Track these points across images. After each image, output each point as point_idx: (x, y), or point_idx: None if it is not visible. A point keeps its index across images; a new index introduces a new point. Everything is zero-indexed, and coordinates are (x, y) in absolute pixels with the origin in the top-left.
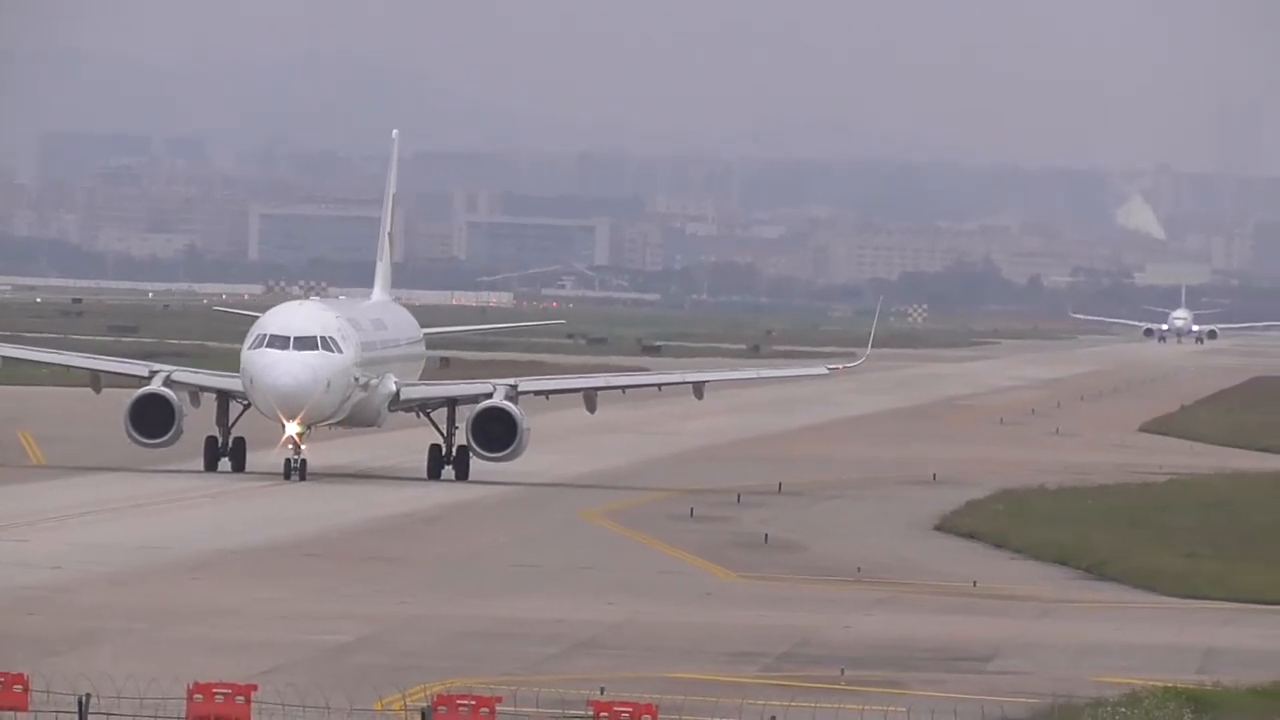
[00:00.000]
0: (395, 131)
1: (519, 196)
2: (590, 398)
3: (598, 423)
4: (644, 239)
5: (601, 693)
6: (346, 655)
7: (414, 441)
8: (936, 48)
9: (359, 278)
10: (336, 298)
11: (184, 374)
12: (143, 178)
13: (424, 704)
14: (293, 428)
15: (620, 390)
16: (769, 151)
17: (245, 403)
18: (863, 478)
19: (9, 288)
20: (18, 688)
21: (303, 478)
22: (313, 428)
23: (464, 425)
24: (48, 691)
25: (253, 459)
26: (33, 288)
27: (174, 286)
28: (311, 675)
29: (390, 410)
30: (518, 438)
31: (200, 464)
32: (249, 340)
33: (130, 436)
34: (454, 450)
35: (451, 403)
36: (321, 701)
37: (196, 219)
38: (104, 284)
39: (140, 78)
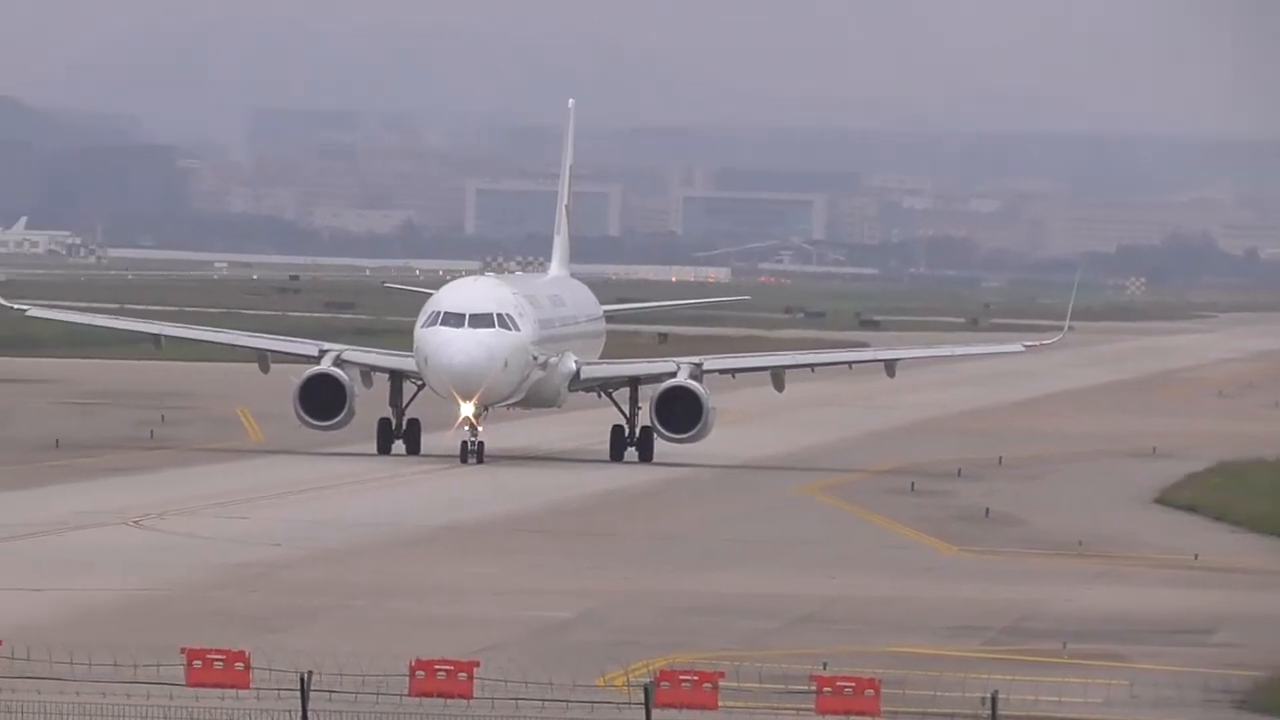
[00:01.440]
0: (571, 102)
1: (736, 171)
2: (778, 376)
3: (815, 397)
4: (861, 213)
5: (824, 667)
6: (567, 631)
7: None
8: (1146, 20)
9: (574, 253)
10: (513, 273)
11: (355, 353)
12: (358, 154)
13: (646, 680)
14: (468, 408)
15: (809, 369)
16: (985, 125)
17: (419, 383)
18: (1082, 451)
19: (225, 265)
20: (239, 665)
21: (480, 460)
22: (490, 408)
23: (647, 405)
24: (269, 669)
25: (427, 441)
26: (249, 265)
27: (390, 263)
28: (532, 652)
29: (570, 390)
30: (703, 418)
31: (373, 447)
32: (422, 318)
33: (299, 418)
34: (637, 431)
35: (634, 382)
36: (544, 678)
37: (412, 195)
38: (320, 260)
39: (354, 53)
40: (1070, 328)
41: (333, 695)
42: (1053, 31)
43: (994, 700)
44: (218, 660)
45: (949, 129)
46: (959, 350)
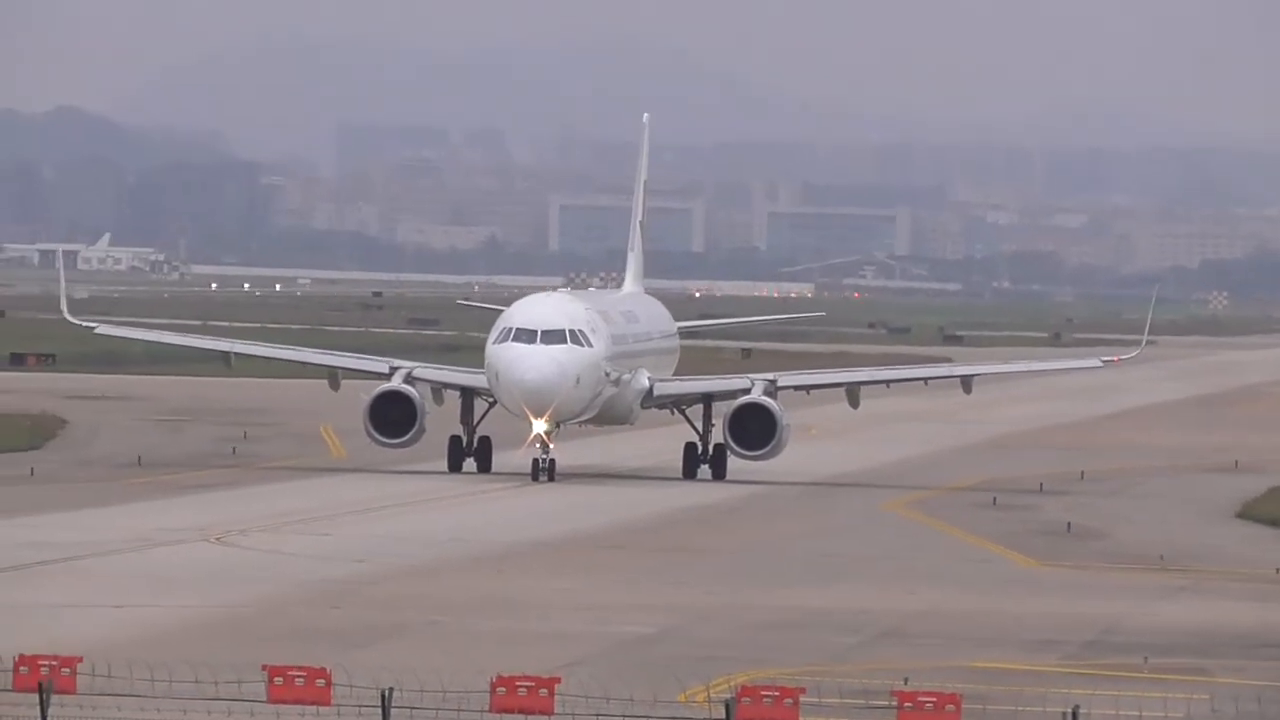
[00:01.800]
0: (646, 116)
1: (819, 186)
2: (853, 392)
3: (897, 413)
4: (944, 228)
5: (905, 682)
6: (649, 647)
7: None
8: (1236, 34)
9: (657, 269)
10: (587, 289)
11: (426, 370)
12: (442, 169)
13: (727, 695)
14: (540, 425)
15: (885, 385)
16: (1069, 140)
17: (490, 400)
18: (1165, 465)
19: (308, 281)
20: (320, 682)
21: (551, 478)
22: (561, 425)
23: (720, 422)
24: (350, 685)
25: (498, 459)
26: (332, 281)
27: (474, 279)
28: (614, 667)
29: (643, 407)
30: (777, 435)
31: (443, 464)
32: (494, 334)
33: (369, 436)
34: (710, 448)
35: (708, 399)
36: (625, 694)
37: (496, 211)
38: (404, 276)
39: (439, 70)
40: (1149, 342)
41: (414, 712)
42: (1138, 46)
43: (1075, 715)
44: (299, 677)
45: (1033, 144)
46: (1036, 366)
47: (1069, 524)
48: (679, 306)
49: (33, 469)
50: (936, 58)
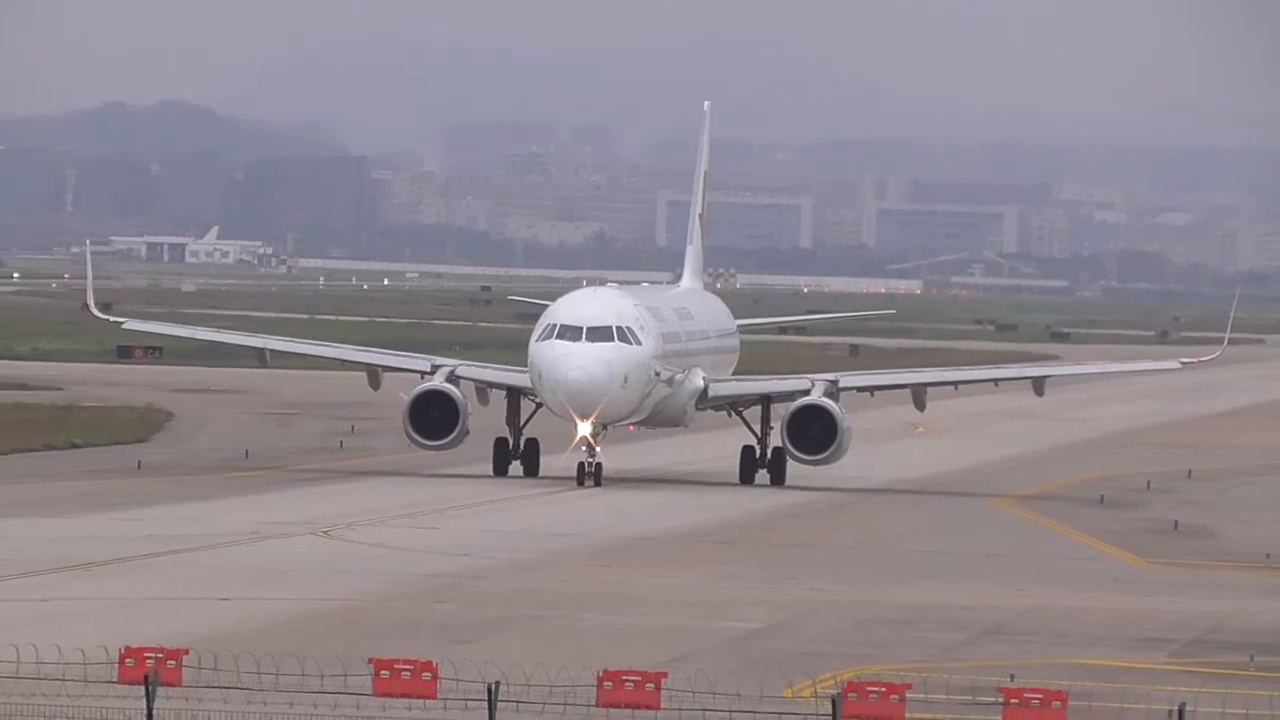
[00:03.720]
0: (707, 104)
1: (927, 184)
2: (918, 394)
3: (1004, 410)
4: (1051, 226)
5: (1011, 679)
6: (755, 642)
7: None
8: None
9: (767, 264)
10: (638, 285)
11: (470, 369)
12: (550, 165)
13: (834, 691)
14: (585, 427)
15: (954, 386)
16: (1176, 139)
17: (538, 400)
18: (1272, 464)
19: (416, 275)
20: (426, 675)
21: (598, 483)
22: (609, 428)
23: (779, 425)
24: (456, 679)
25: (543, 462)
26: (440, 275)
27: (583, 274)
28: (720, 662)
29: (698, 409)
30: (838, 438)
31: (488, 468)
32: (538, 331)
33: (409, 437)
34: (769, 452)
35: (766, 400)
36: (731, 689)
37: (604, 206)
38: (512, 271)
39: (547, 66)
40: (1225, 345)
41: (520, 706)
42: (1244, 46)
43: (1181, 712)
44: (405, 670)
45: (1141, 142)
46: (1113, 368)
47: (1176, 522)
48: (787, 302)
49: (140, 462)
50: (1046, 57)
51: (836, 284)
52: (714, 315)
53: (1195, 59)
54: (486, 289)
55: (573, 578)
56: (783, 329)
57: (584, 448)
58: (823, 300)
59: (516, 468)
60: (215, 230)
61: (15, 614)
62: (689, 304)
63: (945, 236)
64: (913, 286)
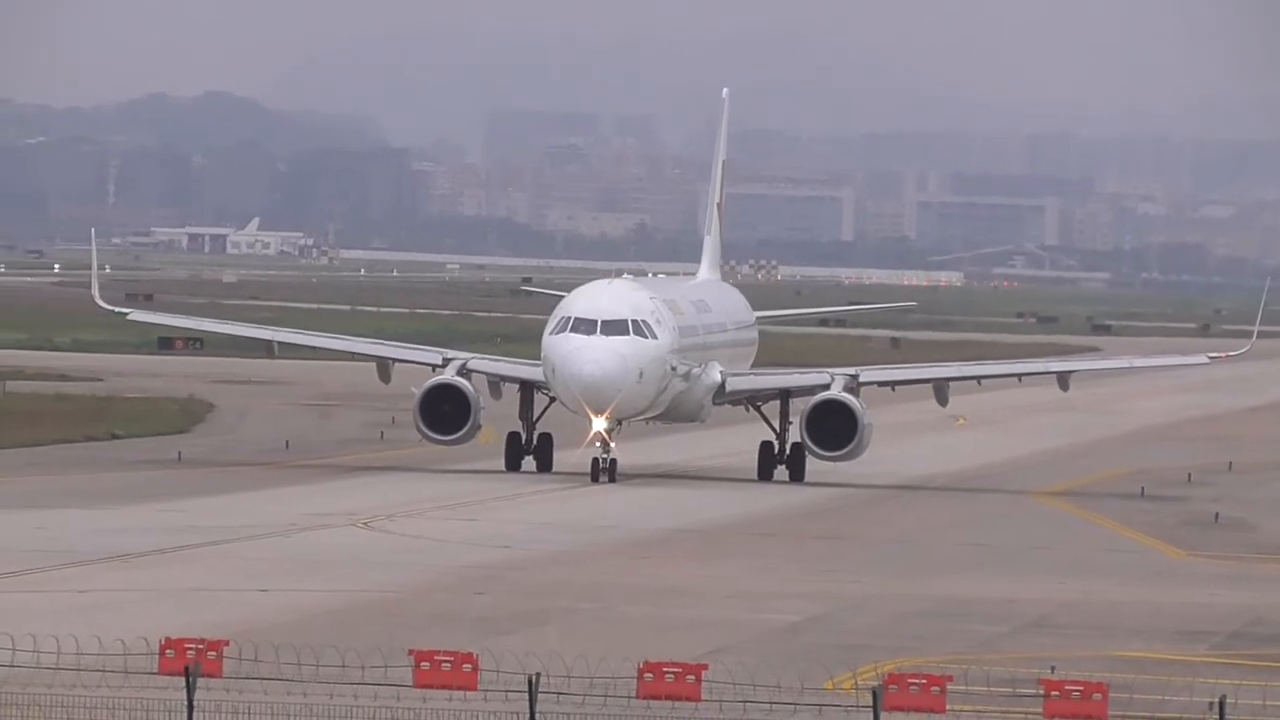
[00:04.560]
0: (726, 91)
1: (969, 176)
2: (940, 389)
3: (1045, 403)
4: (1094, 219)
5: (1052, 671)
6: (796, 634)
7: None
8: None
9: (808, 256)
10: (652, 276)
11: (482, 362)
12: (591, 156)
13: (875, 683)
14: (600, 423)
15: (977, 381)
16: (1218, 132)
17: (551, 394)
18: None
19: (457, 267)
20: (467, 667)
21: (612, 479)
22: (624, 423)
23: (798, 420)
24: (497, 670)
25: (559, 459)
26: (481, 266)
27: (624, 265)
28: (761, 654)
29: (715, 403)
30: (858, 434)
31: (500, 463)
32: (551, 324)
33: (420, 432)
34: (788, 448)
35: (784, 395)
36: (772, 681)
37: (646, 198)
38: (553, 263)
39: (588, 57)
40: (1255, 339)
41: (560, 698)
42: None
43: (1222, 705)
44: (445, 662)
45: (1182, 135)
46: (1139, 363)
47: (1217, 515)
48: (828, 294)
49: (180, 453)
50: (1087, 50)
51: (877, 276)
52: (732, 307)
53: (1238, 52)
54: (528, 279)
55: (612, 570)
56: (824, 320)
57: (599, 443)
58: (862, 293)
59: (529, 463)
60: (256, 221)
61: (56, 605)
62: (706, 296)
63: (987, 229)
64: (954, 279)
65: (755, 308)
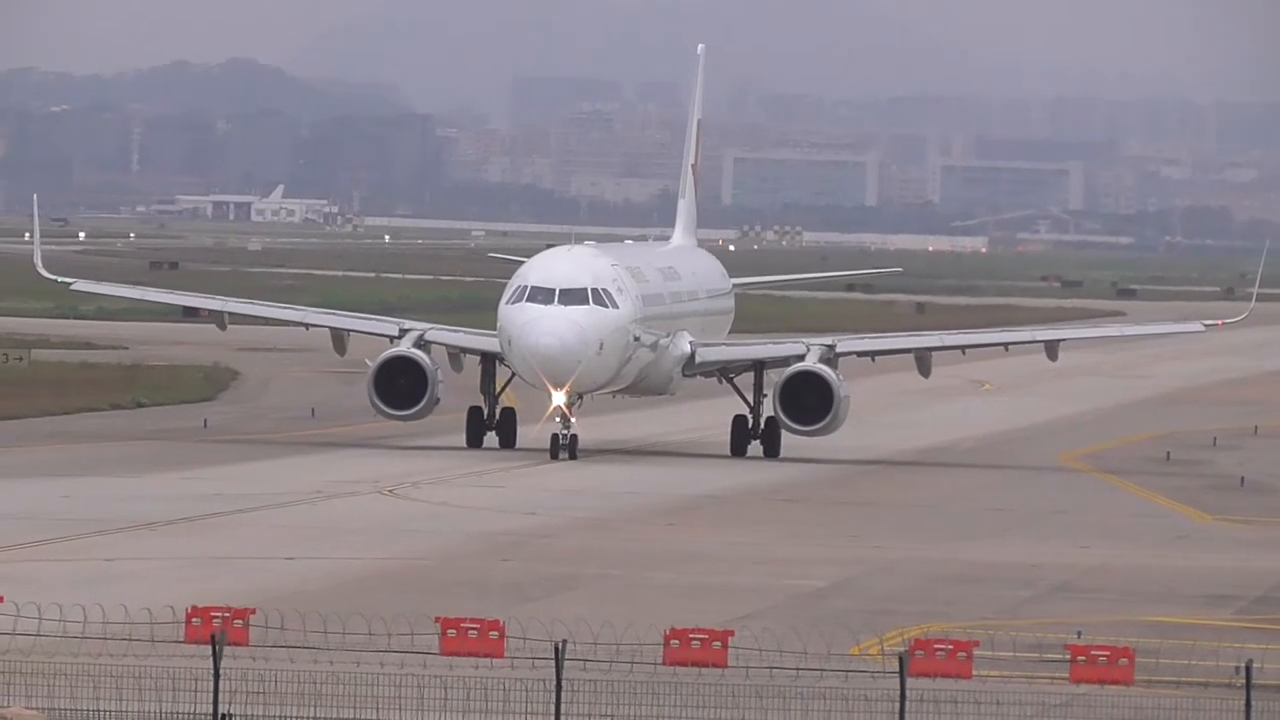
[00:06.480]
0: (700, 48)
1: (993, 140)
2: (923, 359)
3: (1073, 367)
4: (1117, 182)
5: (1078, 636)
6: (821, 600)
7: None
8: None
9: (832, 221)
10: (623, 241)
11: (440, 333)
12: (615, 122)
13: (901, 649)
14: (560, 397)
15: (961, 351)
16: (1242, 95)
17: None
18: None
19: (482, 233)
20: (493, 634)
21: (573, 456)
22: (584, 398)
23: (772, 392)
24: (523, 637)
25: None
26: (505, 233)
27: (648, 231)
28: (787, 620)
29: (685, 375)
30: (834, 407)
31: (461, 439)
32: (508, 293)
33: (374, 407)
34: (762, 422)
35: (758, 366)
36: (798, 647)
37: (670, 163)
38: (578, 229)
39: (612, 22)
40: (1253, 306)
41: (587, 664)
42: None
43: (1248, 669)
44: (472, 629)
45: (1206, 98)
46: (1132, 330)
47: (1242, 479)
48: (852, 259)
49: (206, 421)
50: (1112, 12)
51: (901, 241)
52: (704, 274)
53: (1263, 15)
54: (552, 246)
55: (638, 536)
56: (850, 285)
57: (558, 418)
58: (885, 257)
59: (491, 439)
60: (281, 189)
61: (82, 573)
62: (676, 263)
63: (1011, 193)
64: (978, 244)
65: (775, 272)
